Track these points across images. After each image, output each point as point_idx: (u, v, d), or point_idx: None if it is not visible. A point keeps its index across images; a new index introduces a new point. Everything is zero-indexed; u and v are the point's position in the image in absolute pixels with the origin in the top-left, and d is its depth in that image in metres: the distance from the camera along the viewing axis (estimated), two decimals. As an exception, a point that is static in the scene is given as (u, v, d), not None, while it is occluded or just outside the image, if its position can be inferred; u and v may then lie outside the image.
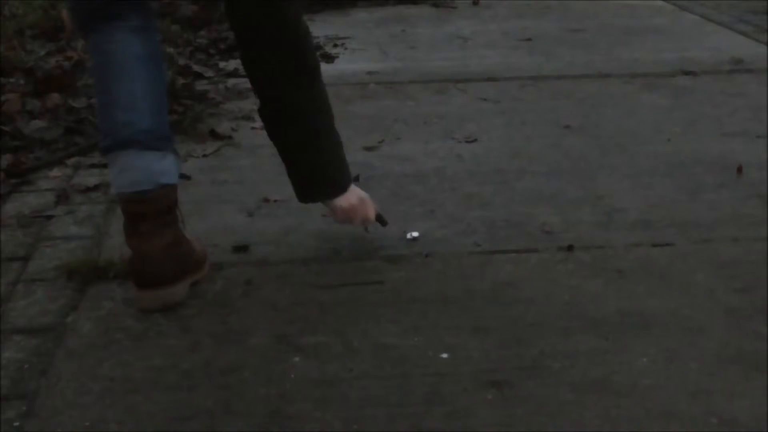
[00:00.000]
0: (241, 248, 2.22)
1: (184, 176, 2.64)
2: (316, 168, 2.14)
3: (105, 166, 2.56)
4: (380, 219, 2.24)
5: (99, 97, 1.97)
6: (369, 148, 2.90)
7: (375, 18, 4.97)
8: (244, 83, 3.61)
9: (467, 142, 2.96)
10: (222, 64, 3.92)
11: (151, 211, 1.92)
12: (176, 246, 1.97)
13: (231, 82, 3.64)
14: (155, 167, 1.92)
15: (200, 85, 3.56)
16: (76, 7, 1.97)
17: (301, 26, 2.05)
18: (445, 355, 1.77)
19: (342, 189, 2.16)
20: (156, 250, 1.93)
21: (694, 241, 2.24)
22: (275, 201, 2.47)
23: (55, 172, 2.75)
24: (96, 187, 2.59)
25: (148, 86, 1.93)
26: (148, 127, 1.92)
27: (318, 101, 2.10)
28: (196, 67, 3.81)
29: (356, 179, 2.62)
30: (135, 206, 1.92)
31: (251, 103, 3.36)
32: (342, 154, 2.17)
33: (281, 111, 2.09)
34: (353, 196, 2.17)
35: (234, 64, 3.91)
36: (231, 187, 2.60)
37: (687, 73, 3.71)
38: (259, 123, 3.12)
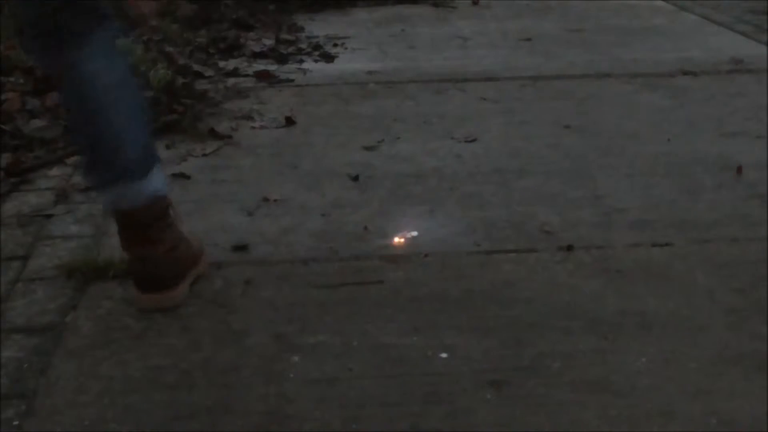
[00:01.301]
0: (241, 248, 2.21)
1: (183, 176, 2.65)
2: None
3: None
4: None
5: (76, 134, 1.88)
6: (369, 148, 2.90)
7: (375, 18, 4.97)
8: (244, 83, 3.65)
9: (467, 141, 2.95)
10: (222, 64, 3.92)
11: (145, 221, 1.91)
12: (175, 248, 1.97)
13: (231, 81, 3.64)
14: (145, 189, 1.91)
15: (200, 85, 3.55)
16: (32, 42, 1.85)
17: None
18: (444, 355, 1.77)
19: None
20: (156, 254, 1.93)
21: (693, 241, 2.24)
22: (275, 201, 2.46)
23: (55, 171, 2.74)
24: (96, 187, 2.59)
25: (126, 114, 1.87)
26: (135, 156, 1.88)
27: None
28: (196, 67, 3.81)
29: (356, 179, 2.63)
30: (128, 219, 1.92)
31: (251, 103, 3.37)
32: None
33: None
34: None
35: (234, 63, 3.91)
36: (231, 187, 2.60)
37: (687, 73, 3.70)
38: (259, 122, 3.15)
